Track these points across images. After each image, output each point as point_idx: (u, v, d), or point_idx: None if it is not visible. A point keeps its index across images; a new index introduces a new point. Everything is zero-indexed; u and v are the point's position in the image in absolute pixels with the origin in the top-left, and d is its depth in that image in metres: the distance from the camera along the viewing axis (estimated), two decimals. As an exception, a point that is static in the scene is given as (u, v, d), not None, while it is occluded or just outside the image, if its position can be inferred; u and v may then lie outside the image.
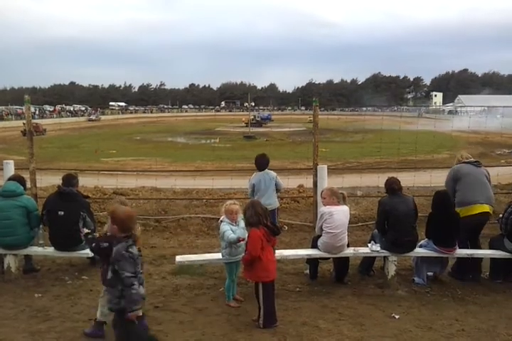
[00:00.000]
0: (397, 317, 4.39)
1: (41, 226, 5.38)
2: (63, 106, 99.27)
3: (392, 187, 5.29)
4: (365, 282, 5.28)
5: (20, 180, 5.52)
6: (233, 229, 4.57)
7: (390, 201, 5.22)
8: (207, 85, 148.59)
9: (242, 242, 4.50)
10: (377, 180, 11.93)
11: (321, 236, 5.09)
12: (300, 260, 5.59)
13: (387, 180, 5.43)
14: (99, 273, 3.96)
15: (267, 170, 5.93)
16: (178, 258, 4.93)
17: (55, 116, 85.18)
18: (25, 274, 5.38)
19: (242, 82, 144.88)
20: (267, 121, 66.08)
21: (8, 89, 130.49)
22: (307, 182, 9.38)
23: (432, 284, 5.23)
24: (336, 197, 5.05)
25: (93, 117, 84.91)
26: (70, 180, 5.40)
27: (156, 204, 8.34)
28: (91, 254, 5.29)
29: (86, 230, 5.04)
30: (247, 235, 4.76)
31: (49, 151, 35.46)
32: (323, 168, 6.77)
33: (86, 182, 10.79)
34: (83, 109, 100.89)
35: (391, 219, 5.15)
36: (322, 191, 5.34)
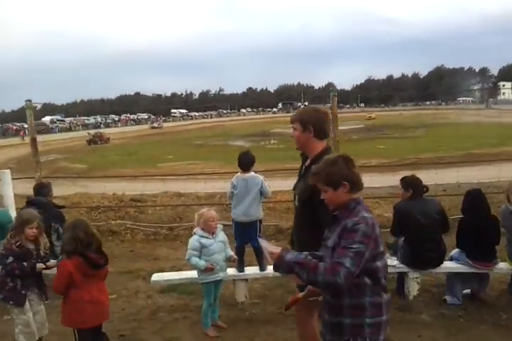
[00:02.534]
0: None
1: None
2: (127, 115, 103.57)
3: (417, 188, 4.33)
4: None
5: None
6: (207, 244, 3.87)
7: (408, 207, 4.28)
8: (264, 88, 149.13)
9: (213, 269, 3.86)
10: (434, 177, 10.84)
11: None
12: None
13: (408, 178, 4.49)
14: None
15: (252, 172, 4.76)
16: (154, 277, 4.33)
17: (120, 125, 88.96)
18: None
19: (299, 83, 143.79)
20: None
21: (78, 101, 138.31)
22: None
23: (467, 305, 4.19)
24: None
25: (155, 125, 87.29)
26: (40, 189, 4.98)
27: (172, 210, 7.86)
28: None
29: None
30: (228, 250, 4.09)
31: (110, 159, 36.83)
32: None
33: (134, 187, 10.83)
34: (146, 117, 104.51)
35: (409, 229, 4.21)
36: None
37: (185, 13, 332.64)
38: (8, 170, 6.38)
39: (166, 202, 8.51)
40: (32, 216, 3.67)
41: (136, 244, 6.76)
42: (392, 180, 11.39)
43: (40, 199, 4.83)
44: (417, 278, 4.23)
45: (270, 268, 4.38)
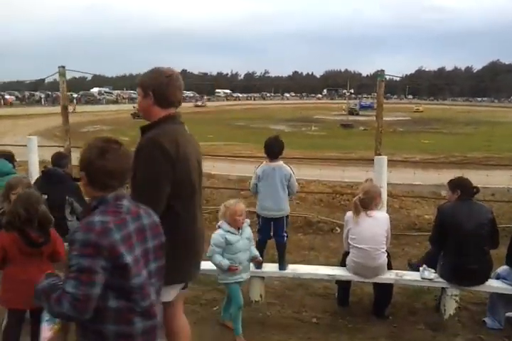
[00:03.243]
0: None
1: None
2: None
3: (465, 189, 3.81)
4: (413, 318, 3.85)
5: (8, 157, 4.95)
6: (233, 241, 3.45)
7: (454, 209, 3.75)
8: (310, 73, 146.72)
9: (237, 270, 3.44)
10: (480, 178, 10.07)
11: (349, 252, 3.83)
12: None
13: (455, 179, 3.97)
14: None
15: (280, 161, 4.16)
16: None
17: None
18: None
19: (346, 70, 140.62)
20: (369, 109, 62.88)
21: (127, 75, 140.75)
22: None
23: (510, 331, 3.67)
24: (370, 198, 3.71)
25: (199, 103, 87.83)
26: (58, 159, 4.72)
27: (199, 192, 7.56)
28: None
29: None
30: (253, 249, 3.68)
31: (151, 134, 37.28)
32: (381, 160, 5.38)
33: None
34: (191, 95, 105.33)
35: (452, 236, 3.67)
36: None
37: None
38: (35, 137, 6.26)
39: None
40: (16, 182, 3.62)
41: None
42: (435, 178, 10.71)
43: (56, 170, 4.59)
44: (456, 295, 3.72)
45: (291, 268, 4.02)
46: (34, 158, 5.95)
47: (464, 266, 3.60)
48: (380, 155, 5.53)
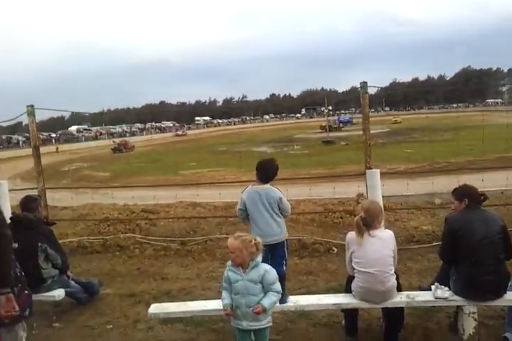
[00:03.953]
0: None
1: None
2: (152, 123, 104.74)
3: (472, 197, 3.58)
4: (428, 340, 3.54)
5: None
6: (232, 280, 3.05)
7: (464, 218, 3.49)
8: (287, 94, 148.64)
9: (229, 315, 3.08)
10: (475, 184, 9.89)
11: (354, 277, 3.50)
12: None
13: (460, 187, 3.73)
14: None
15: (269, 185, 3.84)
16: (152, 308, 3.61)
17: (144, 133, 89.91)
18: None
19: (322, 88, 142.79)
20: (348, 124, 63.52)
21: (105, 110, 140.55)
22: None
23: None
24: (371, 216, 3.42)
25: (179, 132, 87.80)
26: (27, 203, 4.38)
27: (185, 222, 7.23)
28: (59, 296, 4.24)
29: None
30: (266, 297, 3.08)
31: (134, 167, 36.84)
32: (374, 173, 5.14)
33: (163, 195, 10.39)
34: (171, 125, 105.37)
35: (464, 247, 3.39)
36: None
37: (205, 21, 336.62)
38: (5, 182, 5.88)
39: (181, 213, 7.89)
40: None
41: (144, 261, 6.13)
42: (425, 186, 10.54)
43: (25, 215, 4.23)
44: (474, 313, 3.39)
45: (293, 300, 3.65)
46: (6, 205, 5.55)
47: (480, 278, 3.30)
48: (370, 168, 5.30)
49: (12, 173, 25.53)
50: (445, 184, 8.99)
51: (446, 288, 3.46)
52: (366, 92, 5.46)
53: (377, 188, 5.09)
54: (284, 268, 3.78)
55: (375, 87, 5.79)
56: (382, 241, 3.38)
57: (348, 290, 3.58)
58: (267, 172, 3.84)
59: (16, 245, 4.08)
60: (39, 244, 4.11)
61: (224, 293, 3.09)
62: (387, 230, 3.53)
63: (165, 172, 30.01)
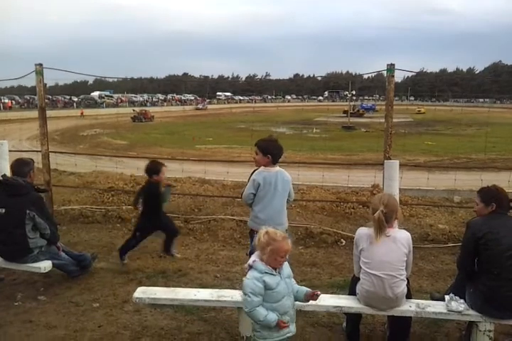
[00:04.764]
0: None
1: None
2: (174, 95, 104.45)
3: (501, 202, 3.21)
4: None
5: None
6: (272, 284, 2.59)
7: (489, 225, 3.12)
8: (311, 75, 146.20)
9: (287, 326, 2.62)
10: (487, 182, 9.40)
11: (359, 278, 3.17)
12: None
13: (489, 189, 3.35)
14: None
15: (278, 167, 3.65)
16: (138, 292, 3.34)
17: (165, 104, 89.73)
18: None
19: (348, 72, 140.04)
20: (371, 111, 62.29)
21: (128, 79, 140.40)
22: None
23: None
24: (390, 211, 3.05)
25: (200, 106, 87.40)
26: (18, 167, 4.12)
27: (191, 199, 6.97)
28: (45, 268, 4.02)
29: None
30: (297, 286, 2.83)
31: (152, 137, 36.79)
32: (392, 164, 4.76)
33: (174, 168, 10.22)
34: (192, 98, 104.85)
35: (485, 255, 3.05)
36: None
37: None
38: (5, 142, 5.67)
39: (188, 188, 7.62)
40: None
41: (144, 236, 5.92)
42: (444, 182, 10.08)
43: (15, 180, 3.98)
44: (490, 331, 3.05)
45: None
46: (4, 165, 5.35)
47: (501, 293, 2.97)
48: (389, 158, 4.93)
49: (31, 134, 25.50)
50: (465, 181, 8.58)
51: (462, 301, 3.12)
52: (392, 76, 5.02)
53: (395, 180, 4.72)
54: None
55: (402, 70, 5.34)
56: (397, 243, 3.03)
57: (352, 291, 3.26)
58: (279, 152, 3.58)
59: (2, 210, 3.88)
60: (27, 211, 3.87)
61: (263, 310, 2.56)
62: (403, 230, 3.17)
63: (181, 145, 29.90)
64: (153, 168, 4.90)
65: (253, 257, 2.67)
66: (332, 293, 4.21)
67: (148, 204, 4.89)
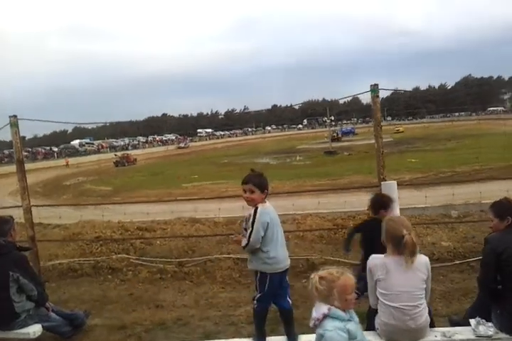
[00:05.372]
0: None
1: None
2: (155, 136, 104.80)
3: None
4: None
5: None
6: (353, 331, 2.33)
7: (506, 239, 2.98)
8: (289, 105, 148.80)
9: None
10: (479, 194, 9.36)
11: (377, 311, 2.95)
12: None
13: (502, 203, 3.22)
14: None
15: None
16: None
17: (147, 146, 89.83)
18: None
19: (324, 99, 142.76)
20: (351, 134, 63.19)
21: (107, 124, 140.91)
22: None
23: None
24: (396, 239, 2.87)
25: (182, 145, 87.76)
26: (-2, 226, 3.88)
27: (183, 240, 6.70)
28: (34, 334, 3.71)
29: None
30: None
31: (136, 180, 36.49)
32: (390, 185, 4.63)
33: (163, 209, 9.95)
34: (173, 137, 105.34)
35: (509, 272, 2.88)
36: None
37: (206, 34, 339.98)
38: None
39: (178, 230, 7.36)
40: None
41: (137, 285, 5.60)
42: (438, 197, 10.00)
43: (-5, 241, 3.72)
44: (522, 356, 2.83)
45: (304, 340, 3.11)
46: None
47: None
48: (384, 179, 4.80)
49: (13, 188, 25.02)
50: (459, 194, 8.52)
51: (490, 324, 2.91)
52: (377, 96, 4.98)
53: (395, 201, 4.58)
54: (290, 302, 3.26)
55: (386, 89, 5.31)
56: (414, 270, 2.84)
57: (370, 326, 3.03)
58: (267, 186, 3.34)
59: (-17, 275, 3.60)
60: (10, 273, 3.59)
61: None
62: (421, 255, 2.97)
63: (167, 185, 29.63)
64: (382, 202, 4.11)
65: (320, 309, 2.38)
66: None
67: (371, 246, 3.89)
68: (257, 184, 3.27)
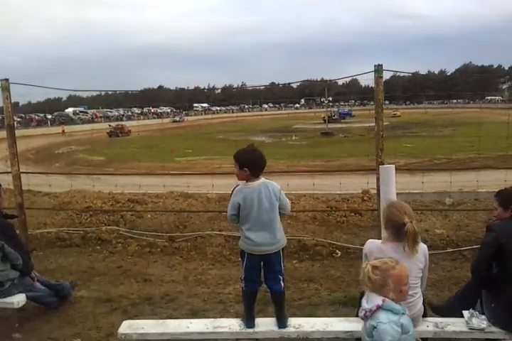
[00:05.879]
0: None
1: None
2: (150, 108, 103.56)
3: None
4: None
5: None
6: (408, 326, 2.27)
7: (508, 227, 2.91)
8: (287, 83, 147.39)
9: None
10: (474, 182, 9.30)
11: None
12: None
13: (507, 192, 3.15)
14: None
15: (263, 178, 3.15)
16: (123, 327, 2.99)
17: (142, 118, 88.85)
18: None
19: (322, 79, 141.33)
20: (347, 116, 62.75)
21: (103, 94, 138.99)
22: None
23: None
24: (397, 227, 2.78)
25: (177, 118, 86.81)
26: (-16, 194, 3.75)
27: (175, 215, 6.62)
28: (18, 303, 3.64)
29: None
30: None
31: (129, 152, 36.20)
32: (388, 169, 4.53)
33: (155, 182, 9.84)
34: (169, 111, 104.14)
35: (510, 265, 2.83)
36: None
37: (208, 7, 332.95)
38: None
39: (170, 204, 7.28)
40: None
41: (126, 258, 5.54)
42: (432, 184, 9.94)
43: (-20, 207, 3.61)
44: (516, 348, 2.79)
45: (294, 324, 3.00)
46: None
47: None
48: (382, 163, 4.70)
49: (3, 154, 24.77)
50: (454, 182, 8.44)
51: (483, 317, 2.86)
52: (381, 77, 4.80)
53: (392, 186, 4.49)
54: (282, 285, 3.15)
55: (390, 71, 5.15)
56: (412, 258, 2.75)
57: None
58: (259, 164, 3.11)
59: (-33, 242, 3.50)
60: (-5, 241, 3.49)
61: None
62: (420, 243, 2.89)
63: (160, 158, 29.43)
64: None
65: (374, 300, 2.29)
66: (334, 311, 3.96)
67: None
68: (237, 160, 3.10)
